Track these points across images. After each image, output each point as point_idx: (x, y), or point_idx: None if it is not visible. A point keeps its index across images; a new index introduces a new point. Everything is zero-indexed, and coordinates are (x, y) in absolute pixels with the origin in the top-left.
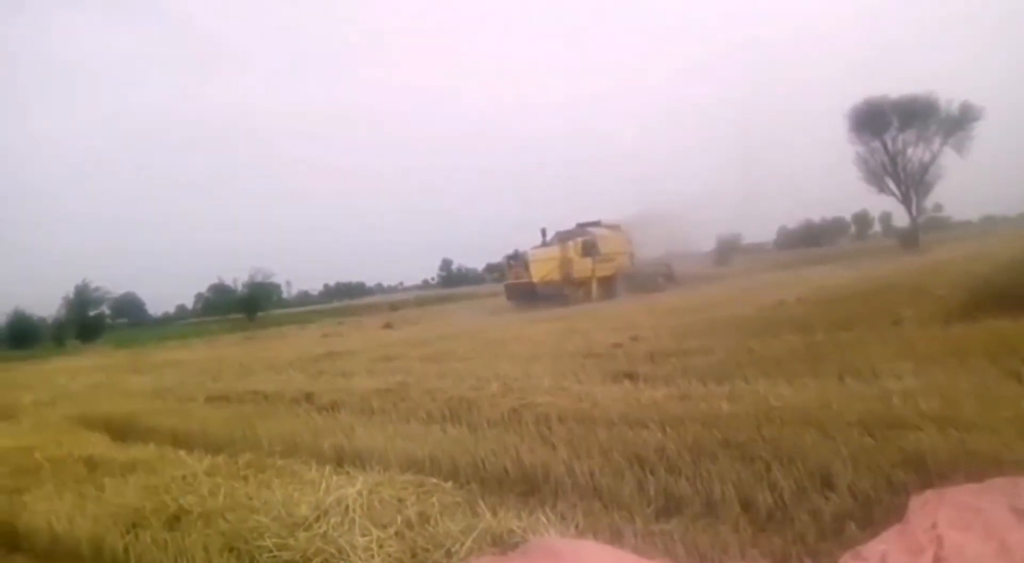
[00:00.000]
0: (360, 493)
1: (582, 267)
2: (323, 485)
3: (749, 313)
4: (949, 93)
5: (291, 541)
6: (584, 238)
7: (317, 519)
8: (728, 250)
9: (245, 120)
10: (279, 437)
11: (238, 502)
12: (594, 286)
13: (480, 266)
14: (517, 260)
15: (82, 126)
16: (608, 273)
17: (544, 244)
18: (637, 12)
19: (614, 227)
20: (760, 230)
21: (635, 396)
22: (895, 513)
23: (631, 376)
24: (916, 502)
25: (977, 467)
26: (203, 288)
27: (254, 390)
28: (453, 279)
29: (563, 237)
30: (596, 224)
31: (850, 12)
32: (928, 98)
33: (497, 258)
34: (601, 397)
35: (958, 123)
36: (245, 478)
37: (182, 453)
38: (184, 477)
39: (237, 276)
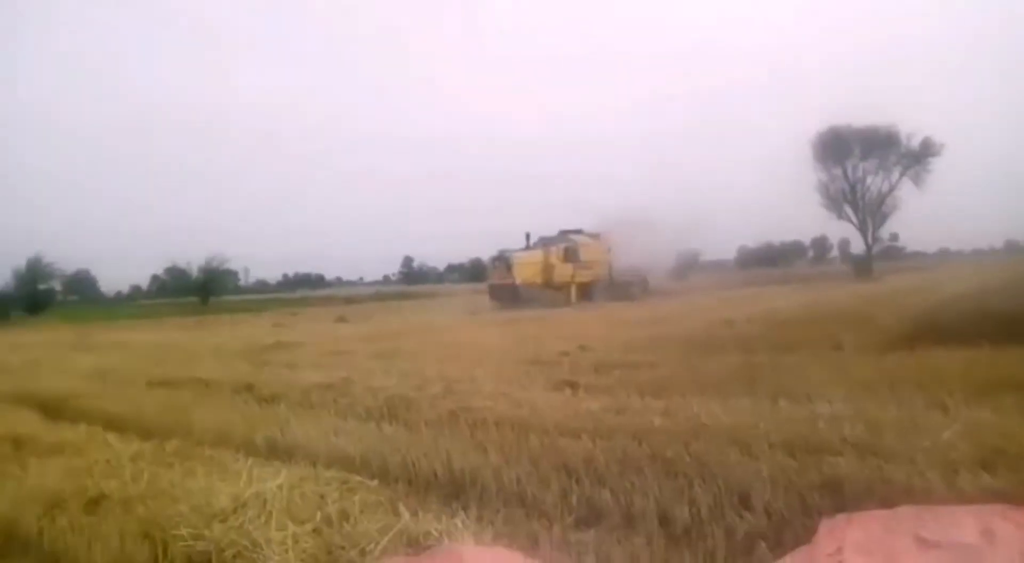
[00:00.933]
0: (280, 487)
1: (563, 272)
2: (244, 477)
3: (698, 330)
4: (911, 126)
5: (206, 532)
6: (566, 244)
7: (235, 511)
8: (687, 266)
9: (216, 106)
10: (213, 426)
11: (159, 489)
12: (573, 291)
13: (442, 266)
14: (501, 261)
15: (47, 104)
16: (587, 279)
17: (527, 248)
18: (617, 33)
19: (594, 236)
20: (721, 248)
21: (573, 406)
22: (805, 535)
23: (573, 385)
24: (825, 526)
25: (890, 494)
26: (159, 270)
27: (196, 377)
28: (414, 277)
29: (546, 242)
30: (578, 232)
31: (820, 42)
32: (889, 130)
33: (459, 259)
34: (540, 404)
35: (917, 157)
36: (170, 465)
37: (111, 437)
38: (108, 461)
39: (194, 260)
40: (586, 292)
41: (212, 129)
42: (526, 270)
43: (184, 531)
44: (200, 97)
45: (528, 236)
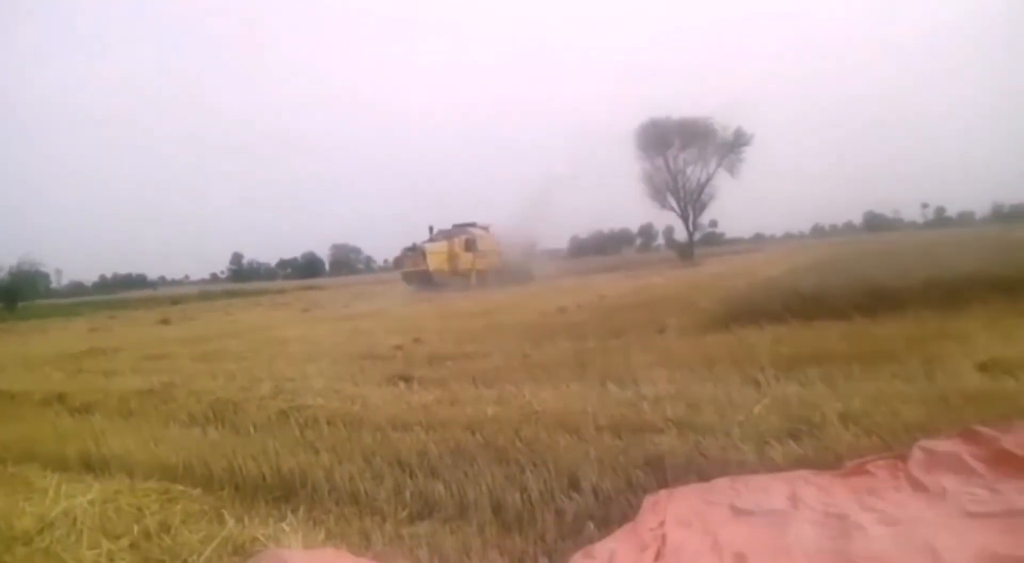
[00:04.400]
0: (92, 502)
1: (465, 260)
2: (51, 494)
3: (531, 318)
4: (725, 118)
5: (7, 557)
6: (466, 236)
7: (40, 531)
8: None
9: (26, 98)
10: (18, 441)
11: None
12: (473, 276)
13: (273, 261)
14: (415, 251)
15: None
16: (483, 266)
17: (432, 239)
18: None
19: (485, 228)
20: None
21: (406, 399)
22: (631, 512)
23: (407, 379)
24: (648, 501)
25: (707, 468)
26: None
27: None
28: (244, 274)
29: (447, 234)
30: (472, 225)
31: (641, 39)
32: (706, 121)
33: (291, 254)
34: (373, 400)
35: (731, 146)
36: None
37: None
38: None
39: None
40: (483, 277)
41: (18, 120)
42: (436, 258)
43: None
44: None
45: (431, 229)
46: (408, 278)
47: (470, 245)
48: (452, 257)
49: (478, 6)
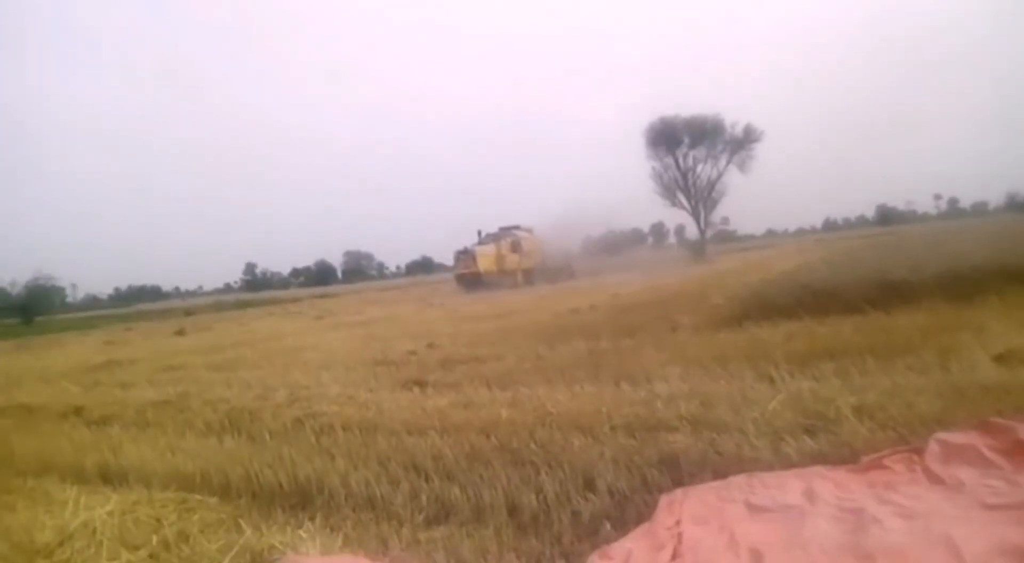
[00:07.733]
0: (111, 514)
1: (511, 261)
2: (70, 507)
3: (545, 320)
4: (734, 115)
5: None
6: (512, 238)
7: (61, 544)
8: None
9: (37, 111)
10: (36, 455)
11: None
12: (519, 276)
13: (286, 270)
14: (466, 254)
15: None
16: (528, 266)
17: (481, 242)
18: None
19: (529, 230)
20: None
21: (421, 404)
22: (647, 511)
23: (421, 383)
24: (664, 500)
25: (723, 465)
26: None
27: (18, 403)
28: (257, 283)
29: (494, 237)
30: (517, 228)
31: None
32: (715, 119)
33: (305, 262)
34: (387, 405)
35: (741, 143)
36: None
37: None
38: None
39: (16, 277)
40: (528, 277)
41: (27, 135)
42: (485, 261)
43: None
44: (21, 104)
45: (480, 233)
46: (461, 280)
47: (515, 247)
48: (499, 258)
49: (485, 13)
